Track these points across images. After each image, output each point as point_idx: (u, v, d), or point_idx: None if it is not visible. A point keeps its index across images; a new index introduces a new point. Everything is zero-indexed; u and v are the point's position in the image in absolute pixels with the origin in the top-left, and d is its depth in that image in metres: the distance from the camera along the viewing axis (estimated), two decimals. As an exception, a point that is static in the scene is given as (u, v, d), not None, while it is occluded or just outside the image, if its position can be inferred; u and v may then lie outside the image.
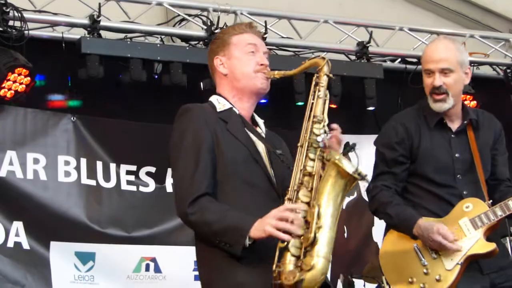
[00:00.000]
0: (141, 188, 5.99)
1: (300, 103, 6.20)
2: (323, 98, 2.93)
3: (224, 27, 5.71)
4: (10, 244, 5.43)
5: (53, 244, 5.57)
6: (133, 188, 5.97)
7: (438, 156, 3.72)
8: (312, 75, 3.01)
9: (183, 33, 6.23)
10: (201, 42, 6.13)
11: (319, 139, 2.84)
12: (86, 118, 5.89)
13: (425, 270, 3.59)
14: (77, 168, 5.78)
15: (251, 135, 3.01)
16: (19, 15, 5.43)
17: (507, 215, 3.63)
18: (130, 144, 5.98)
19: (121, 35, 5.98)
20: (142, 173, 6.02)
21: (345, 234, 6.63)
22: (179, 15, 6.28)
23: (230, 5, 6.23)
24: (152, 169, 6.02)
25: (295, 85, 6.17)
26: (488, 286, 3.63)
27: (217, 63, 3.10)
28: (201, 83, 5.90)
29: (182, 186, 2.87)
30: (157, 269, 5.92)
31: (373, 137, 3.95)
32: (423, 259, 3.60)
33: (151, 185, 6.02)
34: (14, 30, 5.41)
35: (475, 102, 6.63)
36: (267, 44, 3.30)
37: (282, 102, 6.11)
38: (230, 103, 3.05)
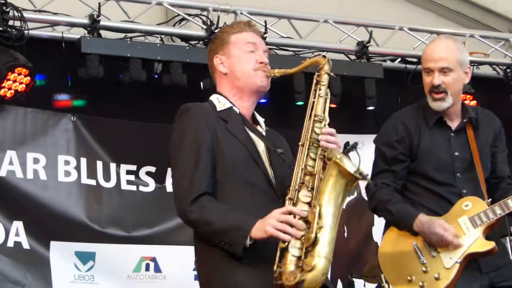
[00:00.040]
0: (141, 188, 5.99)
1: (300, 103, 6.20)
2: (324, 97, 2.92)
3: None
4: (10, 243, 5.43)
5: (53, 244, 5.58)
6: (133, 187, 5.98)
7: (438, 155, 3.72)
8: (312, 74, 3.00)
9: (183, 32, 6.23)
10: (201, 42, 6.13)
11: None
12: (86, 117, 5.89)
13: (424, 269, 3.59)
14: (77, 168, 5.79)
15: (251, 134, 3.01)
16: (19, 14, 5.43)
17: (506, 214, 3.64)
18: (130, 144, 5.98)
19: (121, 35, 5.98)
20: (142, 173, 6.02)
21: (345, 234, 6.63)
22: (179, 14, 6.28)
23: (230, 4, 6.23)
24: (152, 169, 6.03)
25: (295, 84, 6.16)
26: (487, 285, 3.63)
27: (217, 62, 3.10)
28: (201, 83, 5.90)
29: (182, 185, 2.86)
30: (157, 269, 5.92)
31: (373, 136, 3.95)
32: (422, 257, 3.60)
33: (151, 185, 6.02)
34: (14, 30, 5.41)
35: (475, 101, 6.62)
36: (267, 43, 3.30)
37: (282, 102, 6.11)
38: (231, 102, 3.05)
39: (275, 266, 2.69)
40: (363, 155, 2.79)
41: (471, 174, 3.71)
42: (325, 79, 2.93)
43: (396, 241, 3.71)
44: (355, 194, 6.71)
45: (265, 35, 5.78)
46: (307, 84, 6.01)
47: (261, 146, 3.01)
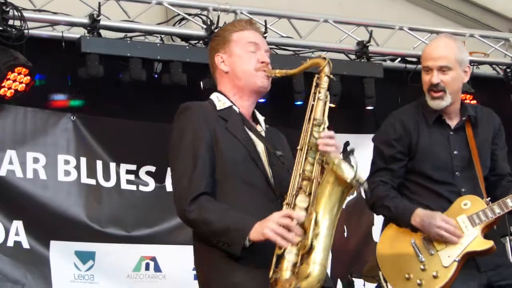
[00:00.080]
0: (141, 188, 6.00)
1: (299, 103, 6.20)
2: (324, 100, 2.90)
3: (224, 26, 5.71)
4: (10, 243, 5.43)
5: (53, 243, 5.58)
6: (133, 187, 5.98)
7: (437, 153, 3.73)
8: (312, 74, 2.98)
9: (183, 32, 6.23)
10: (201, 42, 6.13)
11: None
12: (86, 117, 5.89)
13: (422, 267, 3.59)
14: (77, 167, 5.79)
15: (251, 134, 3.00)
16: (19, 14, 5.43)
17: (506, 213, 3.64)
18: (130, 144, 5.98)
19: (121, 34, 5.98)
20: (142, 173, 6.02)
21: (345, 234, 6.63)
22: (179, 14, 6.28)
23: (230, 4, 6.23)
24: (152, 169, 6.03)
25: (294, 84, 6.16)
26: (485, 284, 3.64)
27: (218, 61, 3.08)
28: (201, 82, 5.90)
29: (181, 184, 2.85)
30: (157, 268, 5.92)
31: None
32: (420, 255, 3.61)
33: (151, 185, 6.03)
34: (14, 29, 5.41)
35: (475, 101, 6.61)
36: (267, 43, 3.29)
37: (281, 101, 6.10)
38: (231, 101, 3.04)
39: (271, 272, 2.69)
40: (362, 155, 2.79)
41: (470, 173, 3.71)
42: (325, 81, 2.91)
43: (394, 239, 3.72)
44: (355, 194, 6.68)
45: (265, 35, 5.77)
46: (306, 84, 6.02)
47: (260, 146, 3.00)
